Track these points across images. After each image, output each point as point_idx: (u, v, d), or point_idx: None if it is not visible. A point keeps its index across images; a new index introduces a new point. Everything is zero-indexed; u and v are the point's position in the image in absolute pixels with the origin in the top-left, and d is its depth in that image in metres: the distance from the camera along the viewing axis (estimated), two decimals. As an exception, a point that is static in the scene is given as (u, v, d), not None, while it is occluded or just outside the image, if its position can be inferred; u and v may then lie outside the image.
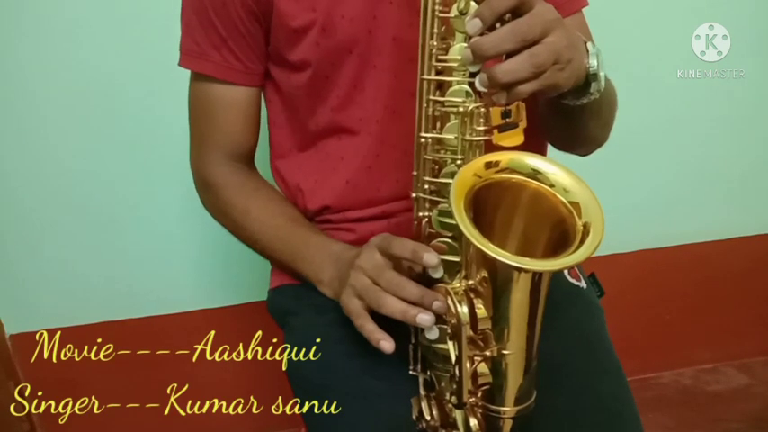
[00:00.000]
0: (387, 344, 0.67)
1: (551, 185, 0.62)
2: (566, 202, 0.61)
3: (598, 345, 0.83)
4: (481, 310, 0.62)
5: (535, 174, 0.63)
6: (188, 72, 0.87)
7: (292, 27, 0.79)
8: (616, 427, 0.76)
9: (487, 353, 0.63)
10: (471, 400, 0.65)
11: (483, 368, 0.64)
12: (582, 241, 0.58)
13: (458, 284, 0.64)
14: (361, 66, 0.80)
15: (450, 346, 0.64)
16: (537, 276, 0.60)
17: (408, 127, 0.76)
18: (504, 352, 0.63)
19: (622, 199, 1.49)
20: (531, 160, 0.63)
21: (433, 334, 0.67)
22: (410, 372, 0.74)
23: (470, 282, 0.63)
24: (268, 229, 0.86)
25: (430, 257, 0.65)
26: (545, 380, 0.68)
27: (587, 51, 0.66)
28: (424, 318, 0.65)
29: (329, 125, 0.84)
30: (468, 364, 0.63)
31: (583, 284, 0.88)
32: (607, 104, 0.76)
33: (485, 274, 0.62)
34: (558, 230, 0.61)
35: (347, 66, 0.80)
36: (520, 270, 0.59)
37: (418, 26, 0.74)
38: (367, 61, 0.80)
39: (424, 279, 0.68)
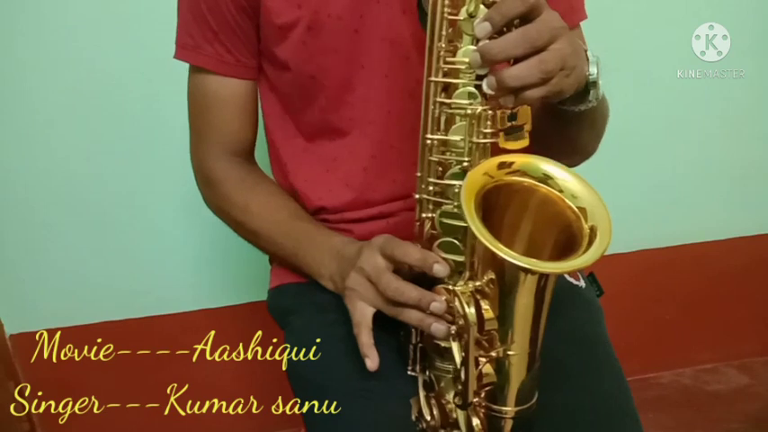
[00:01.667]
0: (370, 362, 0.69)
1: (560, 190, 0.63)
2: (573, 207, 0.62)
3: (597, 344, 0.83)
4: (488, 312, 0.62)
5: (546, 178, 0.63)
6: (187, 71, 0.87)
7: (277, 24, 0.79)
8: (615, 426, 0.76)
9: (492, 354, 0.64)
10: (475, 400, 0.65)
11: (487, 369, 0.64)
12: (589, 245, 0.58)
13: (464, 286, 0.64)
14: (348, 65, 0.80)
15: (456, 347, 0.64)
16: (543, 278, 0.60)
17: (405, 127, 0.76)
18: (509, 353, 0.63)
19: (622, 199, 1.48)
20: (544, 165, 0.64)
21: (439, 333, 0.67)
22: (409, 372, 0.74)
23: (477, 283, 0.63)
24: (269, 224, 0.86)
25: (440, 269, 0.66)
26: (545, 379, 0.68)
27: (587, 59, 0.67)
28: (439, 328, 0.66)
29: (320, 126, 0.84)
30: (473, 365, 0.63)
31: (582, 284, 0.88)
32: (601, 114, 0.77)
33: (492, 275, 0.62)
34: (565, 235, 0.61)
35: (334, 66, 0.80)
36: (530, 272, 0.59)
37: (408, 25, 0.74)
38: (354, 61, 0.80)
39: (426, 278, 0.68)
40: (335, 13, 0.77)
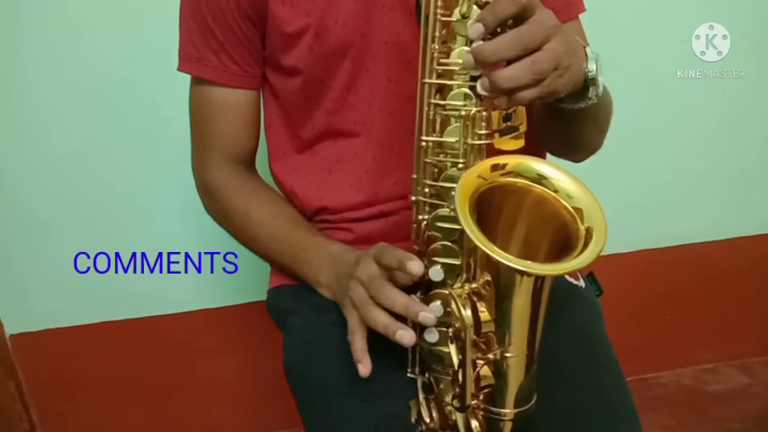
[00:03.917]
0: (363, 368, 0.68)
1: (555, 191, 0.62)
2: (569, 208, 0.61)
3: (597, 344, 0.83)
4: (484, 314, 0.62)
5: (540, 179, 0.63)
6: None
7: (287, 32, 0.79)
8: (615, 426, 0.76)
9: (490, 356, 0.63)
10: (473, 402, 0.65)
11: (485, 371, 0.64)
12: (585, 246, 0.58)
13: (460, 288, 0.64)
14: (354, 69, 0.80)
15: (453, 350, 0.64)
16: (540, 280, 0.60)
17: (405, 129, 0.76)
18: (507, 355, 0.63)
19: (622, 199, 1.49)
20: (538, 165, 0.63)
21: (432, 337, 0.67)
22: (408, 374, 0.74)
23: (473, 285, 0.63)
24: (268, 231, 0.86)
25: (413, 266, 0.65)
26: (544, 379, 0.68)
27: (586, 56, 0.66)
28: (403, 334, 0.65)
29: (325, 128, 0.84)
30: (470, 368, 0.63)
31: (581, 284, 0.88)
32: (603, 110, 0.76)
33: (488, 277, 0.62)
34: (561, 235, 0.61)
35: (341, 69, 0.80)
36: (524, 274, 0.59)
37: (411, 29, 0.74)
38: (360, 65, 0.80)
39: (425, 283, 0.68)
40: (342, 18, 0.78)
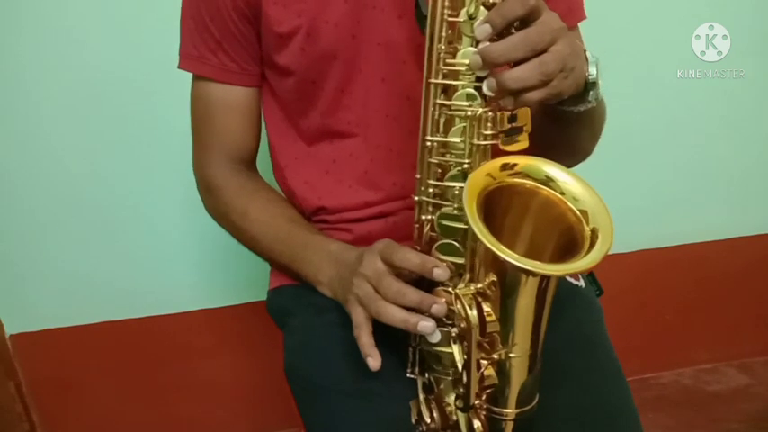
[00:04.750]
0: (373, 361, 0.68)
1: (562, 193, 0.63)
2: (575, 210, 0.62)
3: (597, 344, 0.83)
4: (490, 314, 0.62)
5: (548, 180, 0.63)
6: (188, 73, 0.87)
7: (278, 32, 0.79)
8: (615, 426, 0.76)
9: (494, 356, 0.64)
10: (476, 402, 0.65)
11: (489, 371, 0.64)
12: (591, 247, 0.58)
13: (464, 288, 0.64)
14: (347, 70, 0.80)
15: (457, 350, 0.64)
16: (545, 280, 0.60)
17: (403, 130, 0.76)
18: (511, 355, 0.63)
19: (622, 199, 1.48)
20: (547, 167, 0.64)
21: (435, 337, 0.67)
22: (408, 375, 0.74)
23: (478, 285, 0.63)
24: (267, 231, 0.86)
25: (440, 273, 0.66)
26: (544, 379, 0.68)
27: (587, 60, 0.67)
28: (426, 325, 0.65)
29: (320, 129, 0.85)
30: (475, 368, 0.63)
31: (582, 284, 0.88)
32: (599, 115, 0.77)
33: (493, 277, 0.62)
34: (566, 237, 0.61)
35: (333, 71, 0.81)
36: (531, 274, 0.59)
37: (405, 30, 0.74)
38: (353, 66, 0.80)
39: (426, 281, 0.68)
40: (333, 19, 0.78)
